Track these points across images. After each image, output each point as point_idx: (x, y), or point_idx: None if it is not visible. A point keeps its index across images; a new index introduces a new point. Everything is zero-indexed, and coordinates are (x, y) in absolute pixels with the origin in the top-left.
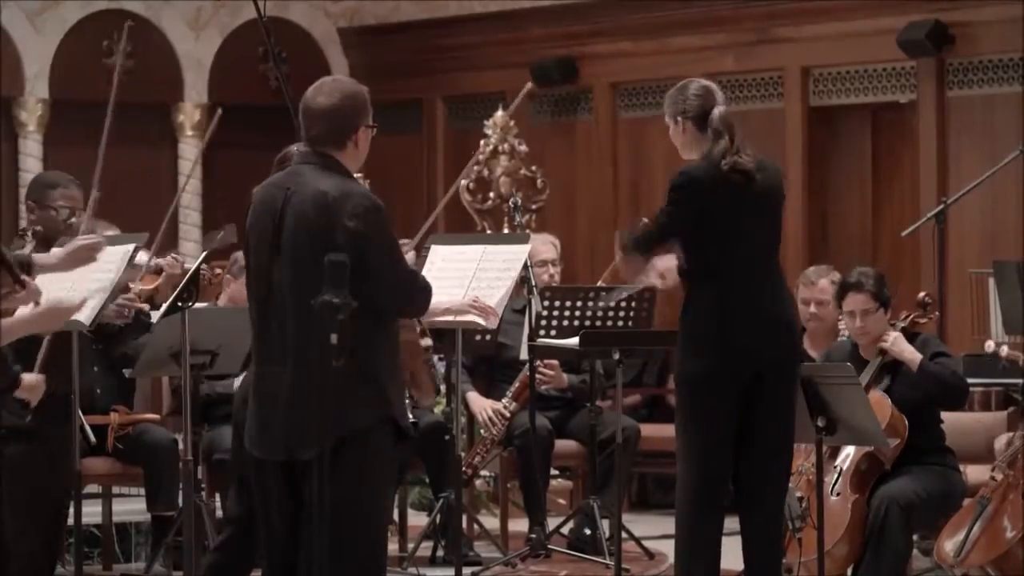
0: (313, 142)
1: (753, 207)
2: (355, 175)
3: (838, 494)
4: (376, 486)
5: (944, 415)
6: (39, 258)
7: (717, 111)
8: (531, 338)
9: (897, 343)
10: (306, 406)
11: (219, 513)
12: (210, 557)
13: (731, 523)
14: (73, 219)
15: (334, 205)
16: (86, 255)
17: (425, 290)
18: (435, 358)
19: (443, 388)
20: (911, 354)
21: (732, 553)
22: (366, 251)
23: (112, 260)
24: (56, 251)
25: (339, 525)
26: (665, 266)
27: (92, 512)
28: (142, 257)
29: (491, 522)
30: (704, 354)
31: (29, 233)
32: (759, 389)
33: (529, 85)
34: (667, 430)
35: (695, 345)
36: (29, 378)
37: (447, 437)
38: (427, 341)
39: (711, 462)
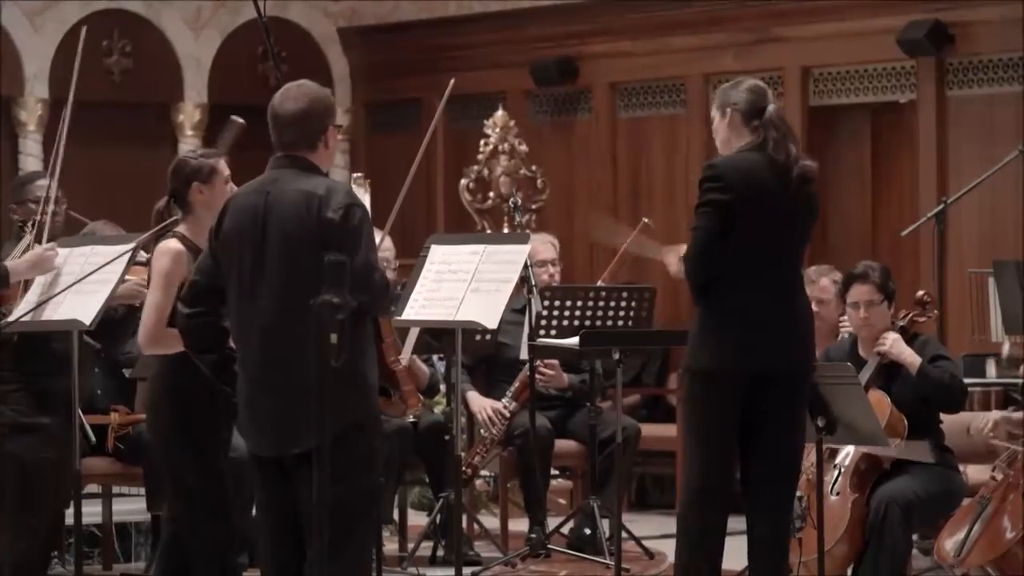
0: (286, 147)
1: (793, 211)
2: (355, 174)
3: (838, 494)
4: (364, 482)
5: (944, 415)
6: (13, 265)
7: (773, 108)
8: (531, 338)
9: (896, 346)
10: (298, 401)
11: None
12: (158, 563)
13: (735, 523)
14: (53, 207)
15: (322, 201)
16: (48, 261)
17: (386, 292)
18: (435, 358)
19: (443, 388)
20: (910, 357)
21: (737, 553)
22: (343, 244)
23: (113, 260)
24: (21, 260)
25: (333, 522)
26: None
27: (92, 512)
28: (143, 256)
29: (491, 522)
30: (711, 349)
31: (29, 224)
32: (766, 391)
33: (452, 82)
34: (667, 430)
35: (704, 339)
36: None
37: (447, 437)
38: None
39: (713, 457)
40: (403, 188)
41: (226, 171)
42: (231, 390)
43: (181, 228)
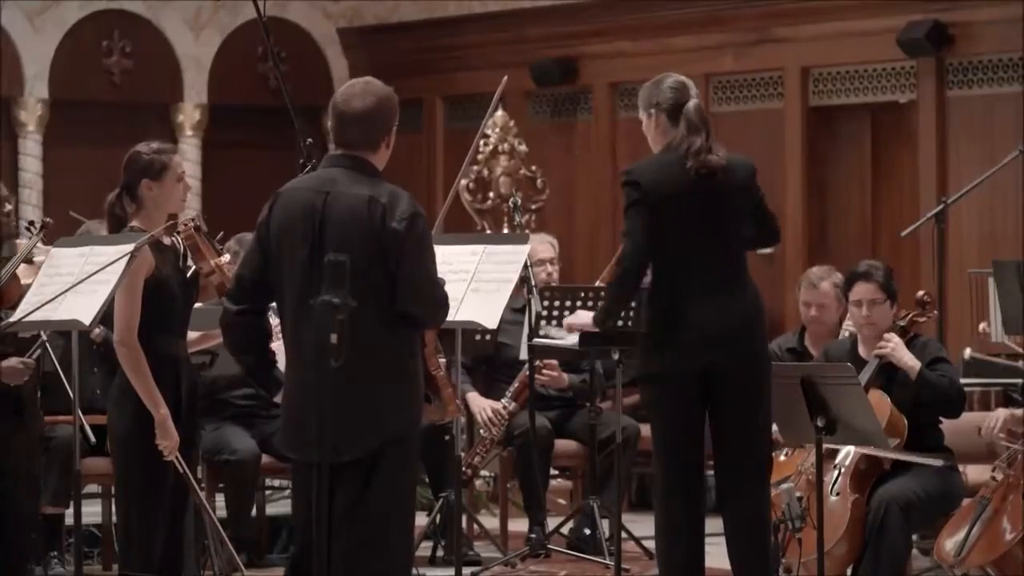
0: (348, 146)
1: (714, 205)
2: None
3: (838, 494)
4: (411, 490)
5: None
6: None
7: (692, 103)
8: (531, 338)
9: (898, 351)
10: (347, 409)
11: (220, 513)
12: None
13: (718, 525)
14: (8, 207)
15: (386, 209)
16: (23, 371)
17: (446, 306)
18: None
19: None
20: (911, 362)
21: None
22: (406, 254)
23: (113, 260)
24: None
25: (375, 527)
26: None
27: (92, 512)
28: None
29: (491, 522)
30: (657, 352)
31: (35, 224)
32: (719, 386)
33: (505, 79)
34: None
35: (650, 343)
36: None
37: (447, 437)
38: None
39: (675, 454)
40: (451, 190)
41: (179, 168)
42: (266, 394)
43: (135, 222)
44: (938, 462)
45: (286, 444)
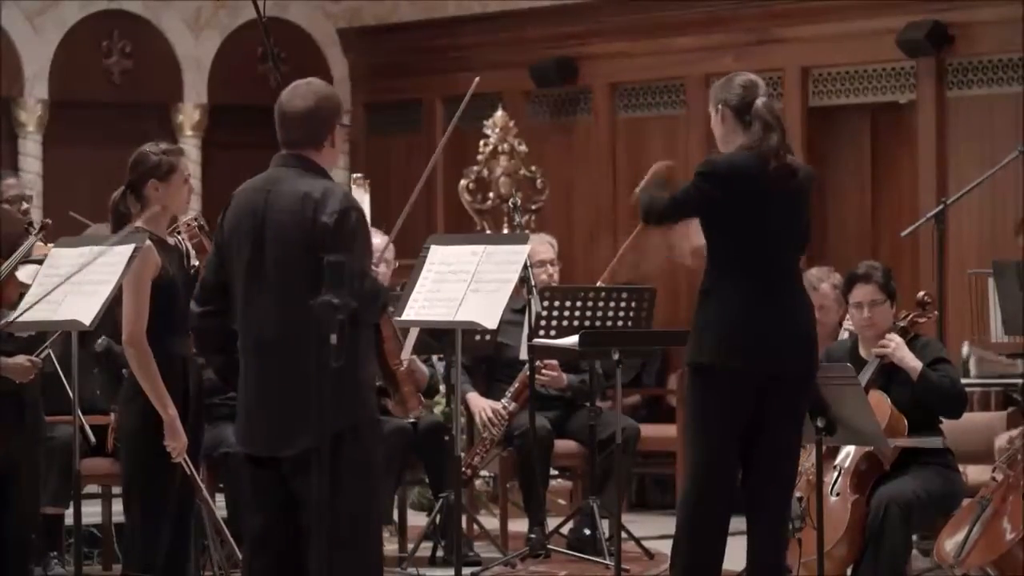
0: (292, 145)
1: (787, 206)
2: (355, 175)
3: (838, 494)
4: (365, 483)
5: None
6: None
7: (762, 101)
8: (530, 338)
9: (899, 351)
10: (292, 403)
11: (219, 513)
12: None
13: (735, 523)
14: (26, 205)
15: (318, 204)
16: (29, 369)
17: (377, 300)
18: (435, 358)
19: (443, 388)
20: (912, 361)
21: (736, 554)
22: (336, 249)
23: (114, 261)
24: (7, 361)
25: (331, 523)
26: (699, 244)
27: (92, 512)
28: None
29: (491, 522)
30: (712, 345)
31: (34, 224)
32: (773, 391)
33: (477, 80)
34: (667, 430)
35: (705, 335)
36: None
37: (447, 437)
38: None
39: (710, 456)
40: (414, 192)
41: (186, 170)
42: (235, 393)
43: (139, 222)
44: (937, 441)
45: (239, 439)
